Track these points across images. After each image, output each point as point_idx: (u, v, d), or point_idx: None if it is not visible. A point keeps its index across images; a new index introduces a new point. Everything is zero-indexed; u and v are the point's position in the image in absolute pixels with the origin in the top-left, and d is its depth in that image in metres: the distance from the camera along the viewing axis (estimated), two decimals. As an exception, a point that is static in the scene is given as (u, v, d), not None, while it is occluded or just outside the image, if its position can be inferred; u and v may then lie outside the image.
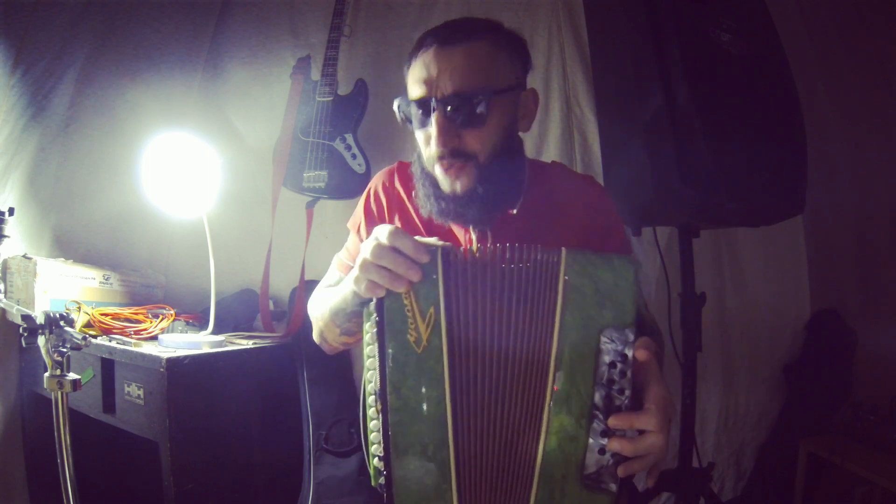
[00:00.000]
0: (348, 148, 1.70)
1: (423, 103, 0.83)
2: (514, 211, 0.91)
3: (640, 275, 0.68)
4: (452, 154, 0.82)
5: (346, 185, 1.68)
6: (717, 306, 1.94)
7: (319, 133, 1.71)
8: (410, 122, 0.86)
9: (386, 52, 1.91)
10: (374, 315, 0.65)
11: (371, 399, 0.66)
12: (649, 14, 1.24)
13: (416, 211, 0.94)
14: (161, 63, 1.80)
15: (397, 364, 0.64)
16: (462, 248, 0.68)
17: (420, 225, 0.94)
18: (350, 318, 0.82)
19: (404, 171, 0.99)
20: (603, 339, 0.64)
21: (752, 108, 1.23)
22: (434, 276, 0.64)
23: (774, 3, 1.37)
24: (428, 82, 0.82)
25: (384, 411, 0.64)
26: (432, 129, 0.82)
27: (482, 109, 0.81)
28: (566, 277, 0.65)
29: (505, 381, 0.66)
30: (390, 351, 0.64)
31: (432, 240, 0.68)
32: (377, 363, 0.64)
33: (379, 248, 0.65)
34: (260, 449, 1.40)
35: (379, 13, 1.92)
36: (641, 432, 0.64)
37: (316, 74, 1.78)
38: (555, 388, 0.65)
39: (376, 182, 1.01)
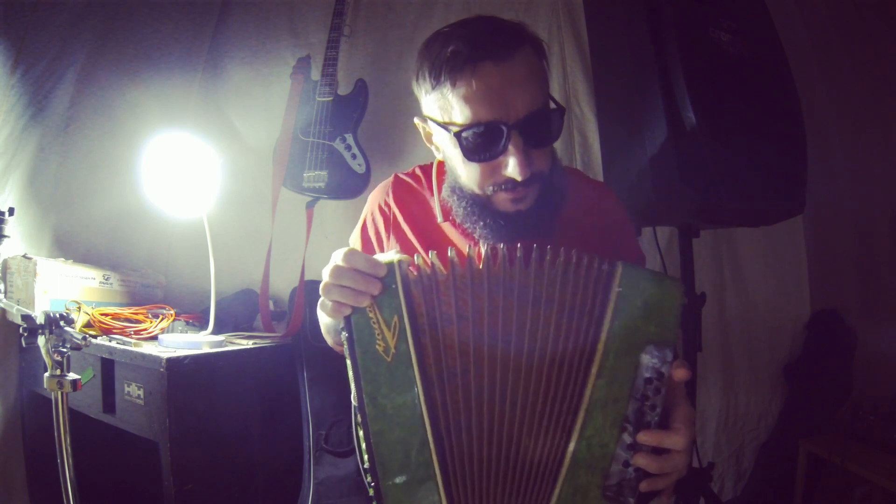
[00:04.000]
0: (348, 148, 1.70)
1: (490, 128, 0.73)
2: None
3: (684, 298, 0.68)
4: (528, 179, 0.75)
5: (346, 185, 1.68)
6: (717, 306, 1.94)
7: (319, 133, 1.71)
8: (469, 158, 0.76)
9: (386, 52, 1.91)
10: (344, 332, 0.67)
11: (354, 408, 0.67)
12: (649, 14, 1.24)
13: (416, 233, 0.92)
14: (161, 63, 1.80)
15: (370, 375, 0.65)
16: (467, 255, 0.67)
17: (417, 244, 0.92)
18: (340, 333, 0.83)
19: (400, 188, 0.96)
20: (644, 354, 0.65)
21: (752, 108, 1.23)
22: (394, 286, 0.66)
23: (774, 3, 1.37)
24: (497, 104, 0.72)
25: (364, 422, 0.65)
26: (509, 157, 0.74)
27: (556, 125, 0.77)
28: (619, 289, 0.65)
29: (514, 381, 0.65)
30: (362, 363, 0.65)
31: (389, 254, 0.68)
32: (352, 377, 0.66)
33: (337, 270, 0.66)
34: (260, 449, 1.41)
35: (379, 13, 1.92)
36: (667, 450, 0.64)
37: (316, 74, 1.78)
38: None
39: (373, 204, 0.98)
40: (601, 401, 0.65)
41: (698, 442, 1.61)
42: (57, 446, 0.93)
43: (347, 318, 0.66)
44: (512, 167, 0.74)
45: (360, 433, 0.66)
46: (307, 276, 1.74)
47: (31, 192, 1.55)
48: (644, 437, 0.64)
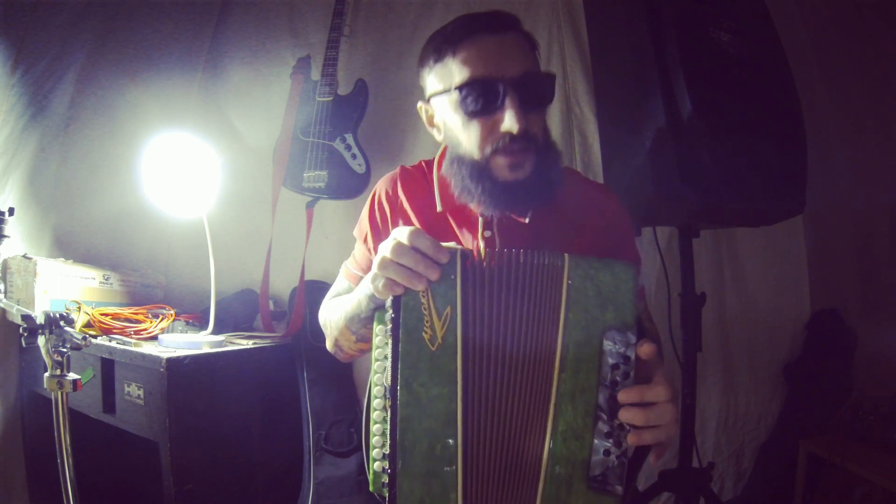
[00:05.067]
0: (348, 148, 1.70)
1: (488, 84, 0.78)
2: (526, 220, 0.88)
3: (640, 277, 0.70)
4: (523, 136, 0.79)
5: (346, 185, 1.68)
6: (717, 306, 1.94)
7: (319, 133, 1.71)
8: (466, 113, 0.80)
9: (386, 52, 1.91)
10: (390, 313, 0.66)
11: (377, 390, 0.67)
12: (649, 14, 1.24)
13: (420, 218, 0.94)
14: (161, 63, 1.80)
15: (410, 360, 0.65)
16: (476, 252, 0.69)
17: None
18: (365, 323, 0.82)
19: (406, 178, 0.99)
20: (606, 341, 0.65)
21: (752, 108, 1.23)
22: (452, 277, 0.66)
23: (774, 3, 1.37)
24: (492, 64, 0.78)
25: (393, 406, 0.64)
26: (506, 112, 0.78)
27: (548, 88, 0.83)
28: (569, 281, 0.66)
29: (512, 381, 0.67)
30: (404, 347, 0.65)
31: (451, 244, 0.69)
32: (390, 358, 0.65)
33: (399, 247, 0.66)
34: (260, 449, 1.41)
35: (379, 13, 1.92)
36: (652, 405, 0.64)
37: (316, 74, 1.78)
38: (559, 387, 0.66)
39: (379, 191, 1.00)
40: (568, 394, 0.65)
41: (698, 442, 1.61)
42: (57, 446, 0.93)
43: (397, 299, 0.66)
44: (508, 119, 0.78)
45: (374, 424, 0.66)
46: (307, 276, 1.74)
47: (31, 192, 1.55)
48: (624, 396, 0.64)
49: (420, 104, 0.93)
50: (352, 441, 1.63)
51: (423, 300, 0.65)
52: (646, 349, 0.65)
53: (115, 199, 1.70)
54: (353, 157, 1.70)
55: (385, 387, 0.66)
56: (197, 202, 1.45)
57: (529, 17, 1.89)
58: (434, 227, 0.92)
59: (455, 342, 0.65)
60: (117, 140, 1.70)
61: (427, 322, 0.65)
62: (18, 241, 1.51)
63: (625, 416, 0.64)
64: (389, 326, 0.66)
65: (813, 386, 1.91)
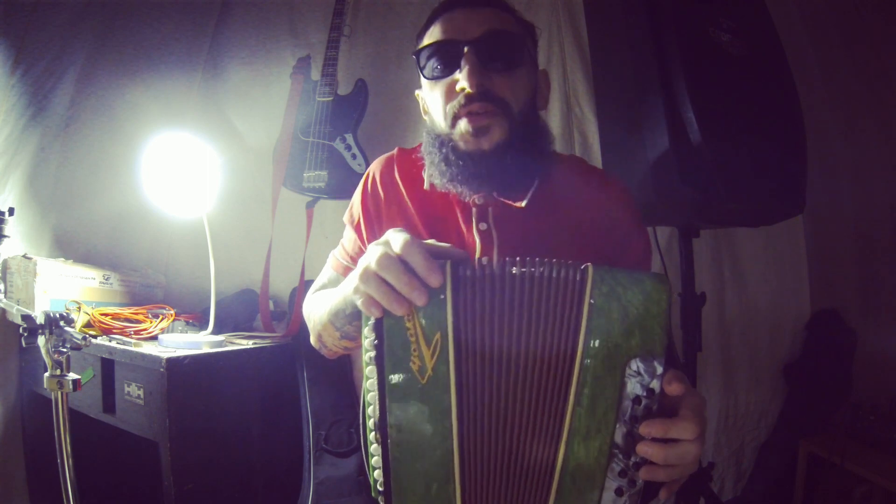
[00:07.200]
0: (348, 148, 1.70)
1: (446, 45, 0.76)
2: (523, 204, 0.80)
3: (672, 297, 0.60)
4: (483, 96, 0.74)
5: (346, 185, 1.68)
6: (717, 306, 1.95)
7: (319, 133, 1.71)
8: (427, 76, 0.79)
9: (386, 52, 1.91)
10: (374, 338, 0.57)
11: (371, 396, 0.60)
12: (649, 14, 1.24)
13: (416, 208, 0.86)
14: (161, 63, 1.80)
15: (398, 394, 0.57)
16: (475, 259, 0.59)
17: (419, 223, 0.85)
18: (350, 320, 0.75)
19: (404, 160, 0.91)
20: (629, 371, 0.57)
21: (752, 108, 1.23)
22: (442, 297, 0.56)
23: (774, 3, 1.37)
24: (452, 30, 0.77)
25: (384, 443, 0.58)
26: (461, 71, 0.74)
27: (514, 51, 0.78)
28: (591, 301, 0.56)
29: (517, 416, 0.59)
30: (390, 381, 0.57)
31: (445, 246, 0.60)
32: (376, 391, 0.58)
33: (386, 259, 0.56)
34: (260, 449, 1.41)
35: (379, 13, 1.92)
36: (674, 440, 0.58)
37: (316, 74, 1.78)
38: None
39: (374, 171, 0.91)
40: (582, 431, 0.57)
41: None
42: (57, 446, 0.93)
43: (379, 322, 0.57)
44: (462, 77, 0.74)
45: (371, 424, 0.60)
46: (307, 276, 1.74)
47: (31, 192, 1.55)
48: (646, 429, 0.56)
49: (416, 92, 0.89)
50: (352, 441, 1.63)
51: (409, 324, 0.56)
52: (674, 388, 0.57)
53: (115, 199, 1.70)
54: (354, 156, 1.70)
55: (375, 418, 0.58)
56: (197, 202, 1.45)
57: (529, 17, 1.87)
58: (431, 215, 0.85)
59: (447, 373, 0.56)
60: (117, 140, 1.70)
61: (415, 351, 0.56)
62: (18, 241, 1.51)
63: (643, 449, 0.57)
64: (374, 353, 0.57)
65: (813, 386, 1.91)
